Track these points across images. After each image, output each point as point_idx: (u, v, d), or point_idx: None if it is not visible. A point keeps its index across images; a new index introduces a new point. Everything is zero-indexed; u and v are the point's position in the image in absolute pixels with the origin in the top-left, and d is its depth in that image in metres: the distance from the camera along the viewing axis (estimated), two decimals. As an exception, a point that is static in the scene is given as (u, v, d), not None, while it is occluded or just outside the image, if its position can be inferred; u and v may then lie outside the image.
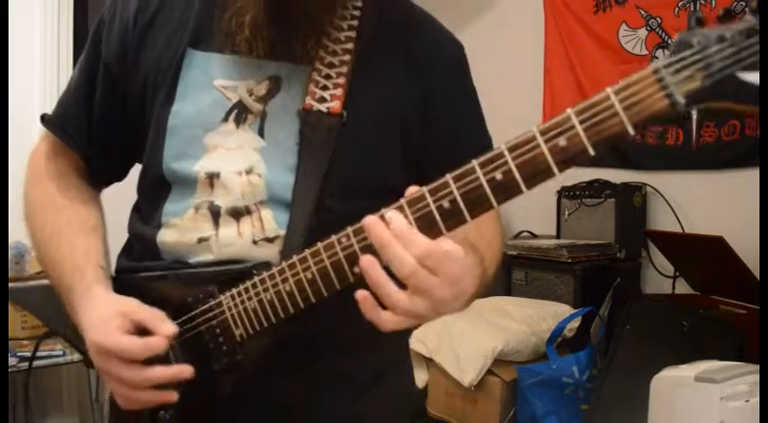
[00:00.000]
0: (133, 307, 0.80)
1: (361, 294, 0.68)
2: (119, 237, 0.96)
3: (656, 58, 2.84)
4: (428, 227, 0.68)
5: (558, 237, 2.92)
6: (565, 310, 2.50)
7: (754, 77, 0.56)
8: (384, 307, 0.68)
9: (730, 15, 0.58)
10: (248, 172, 0.85)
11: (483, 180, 0.65)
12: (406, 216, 0.68)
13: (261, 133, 0.86)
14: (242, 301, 0.79)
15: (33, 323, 2.34)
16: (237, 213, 0.84)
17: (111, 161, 0.97)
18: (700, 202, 2.70)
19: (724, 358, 1.76)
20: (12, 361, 2.19)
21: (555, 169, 0.63)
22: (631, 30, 2.92)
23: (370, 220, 0.68)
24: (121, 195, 1.05)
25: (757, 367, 1.62)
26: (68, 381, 2.76)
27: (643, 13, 2.88)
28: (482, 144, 0.94)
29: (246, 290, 0.79)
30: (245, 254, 0.83)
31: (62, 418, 2.75)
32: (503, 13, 3.46)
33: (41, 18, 2.91)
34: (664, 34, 2.82)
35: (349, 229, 0.71)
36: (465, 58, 0.97)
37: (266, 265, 0.79)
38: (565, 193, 2.88)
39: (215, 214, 0.85)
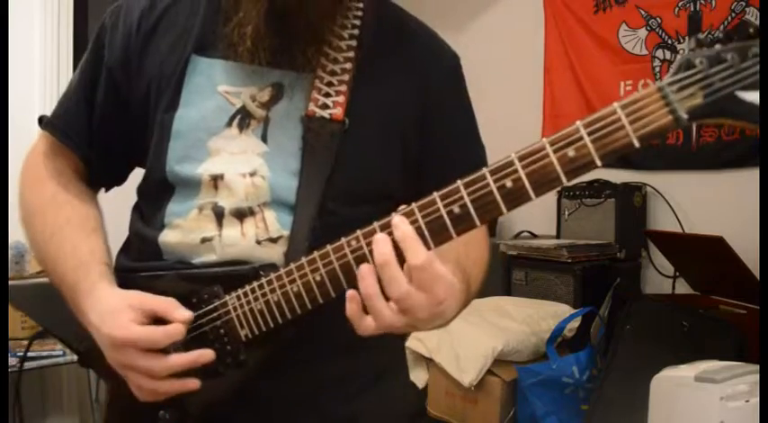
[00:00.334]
0: (142, 298, 0.81)
1: (351, 293, 0.70)
2: (118, 236, 0.96)
3: (656, 57, 2.84)
4: (438, 231, 0.69)
5: (558, 237, 2.92)
6: (565, 310, 2.50)
7: (752, 97, 0.60)
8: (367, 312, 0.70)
9: (730, 37, 0.62)
10: (252, 174, 0.85)
11: (493, 187, 0.67)
12: (416, 220, 0.69)
13: (264, 139, 0.87)
14: (248, 302, 0.80)
15: (33, 323, 2.34)
16: (241, 214, 0.85)
17: (111, 164, 0.97)
18: (700, 202, 2.70)
19: (724, 358, 1.76)
20: (12, 361, 2.19)
21: (563, 178, 0.66)
22: (631, 30, 2.92)
23: (380, 238, 0.70)
24: (121, 195, 1.05)
25: (757, 367, 1.62)
26: (68, 381, 2.76)
27: (643, 13, 2.88)
28: (476, 155, 0.96)
29: (253, 290, 0.79)
30: (248, 254, 0.84)
31: (62, 418, 2.75)
32: (503, 13, 3.46)
33: (41, 19, 2.91)
34: (664, 34, 2.82)
35: (359, 232, 0.72)
36: (461, 70, 0.99)
37: (272, 267, 0.80)
38: (565, 193, 2.89)
39: (219, 215, 0.85)
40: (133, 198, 0.96)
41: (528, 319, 2.43)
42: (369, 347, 0.79)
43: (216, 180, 0.86)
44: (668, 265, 2.68)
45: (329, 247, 0.74)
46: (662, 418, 1.73)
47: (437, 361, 2.44)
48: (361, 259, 0.72)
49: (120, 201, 1.05)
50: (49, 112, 0.97)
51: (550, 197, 2.92)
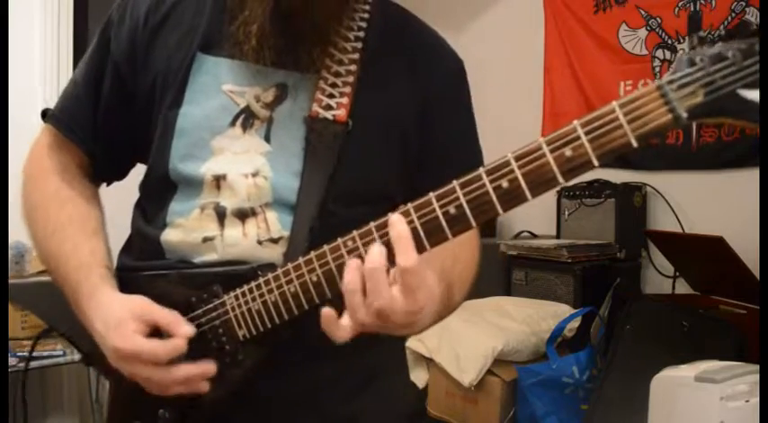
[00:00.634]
0: (146, 307, 0.81)
1: (326, 311, 0.71)
2: (119, 235, 0.96)
3: (656, 57, 2.84)
4: (433, 232, 0.69)
5: (558, 237, 2.92)
6: (565, 310, 2.50)
7: (754, 95, 0.59)
8: (343, 307, 0.71)
9: (732, 35, 0.60)
10: (254, 175, 0.85)
11: (489, 187, 0.67)
12: (412, 220, 0.69)
13: (267, 139, 0.87)
14: (246, 302, 0.80)
15: (33, 323, 2.33)
16: (243, 214, 0.85)
17: (114, 159, 0.97)
18: (700, 202, 2.70)
19: (724, 358, 1.76)
20: (12, 361, 2.19)
21: (560, 178, 0.65)
22: (631, 30, 2.92)
23: (375, 250, 0.69)
24: (123, 193, 1.05)
25: (757, 367, 1.62)
26: (68, 381, 2.76)
27: (643, 13, 2.88)
28: (474, 159, 0.96)
29: (251, 290, 0.79)
30: (249, 254, 0.84)
31: (62, 418, 2.75)
32: (503, 13, 3.46)
33: (41, 18, 2.91)
34: (664, 34, 2.82)
35: (355, 233, 0.72)
36: (464, 74, 0.99)
37: (271, 267, 0.80)
38: (565, 193, 2.89)
39: (220, 215, 0.85)
40: (134, 195, 0.96)
41: (528, 319, 2.43)
42: (368, 347, 0.79)
43: (218, 180, 0.86)
44: (668, 265, 2.68)
45: (326, 248, 0.74)
46: (662, 418, 1.73)
47: (437, 361, 2.44)
48: None
49: (121, 198, 1.05)
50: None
51: (550, 197, 2.92)
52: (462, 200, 0.67)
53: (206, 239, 0.85)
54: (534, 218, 3.09)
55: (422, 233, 0.69)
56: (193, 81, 0.88)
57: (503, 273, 2.84)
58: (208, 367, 0.79)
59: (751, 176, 2.40)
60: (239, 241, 0.84)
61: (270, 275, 0.78)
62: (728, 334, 2.02)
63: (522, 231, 3.20)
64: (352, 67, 0.88)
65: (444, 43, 1.00)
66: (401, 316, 0.69)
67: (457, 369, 2.35)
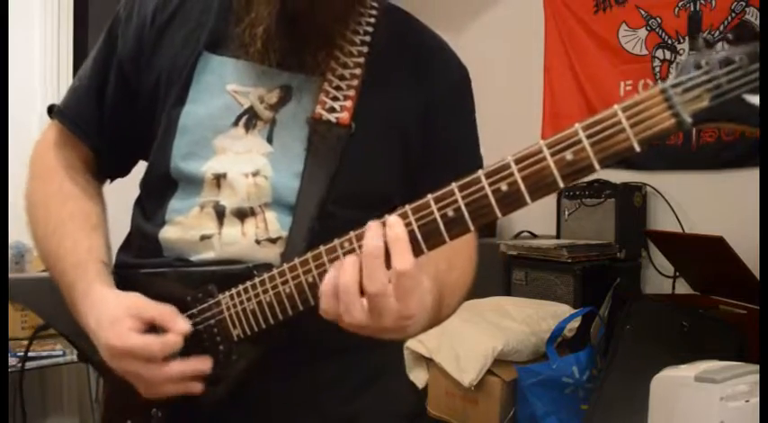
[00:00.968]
0: (141, 304, 0.81)
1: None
2: (119, 232, 0.96)
3: (656, 57, 2.84)
4: (431, 235, 0.68)
5: (558, 237, 2.92)
6: (565, 310, 2.50)
7: (758, 100, 0.58)
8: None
9: (738, 37, 0.59)
10: (255, 174, 0.85)
11: (488, 190, 0.66)
12: (409, 223, 0.68)
13: (269, 140, 0.87)
14: (241, 302, 0.79)
15: (33, 323, 2.33)
16: (242, 214, 0.85)
17: (118, 155, 0.98)
18: (700, 202, 2.70)
19: (724, 358, 1.76)
20: (12, 361, 2.19)
21: (560, 182, 0.63)
22: (631, 30, 2.92)
23: (372, 225, 0.69)
24: (123, 190, 1.05)
25: (757, 367, 1.62)
26: (68, 381, 2.76)
27: (643, 13, 2.88)
28: (475, 165, 0.96)
29: (246, 290, 0.79)
30: (247, 253, 0.84)
31: (62, 418, 2.75)
32: (503, 13, 3.46)
33: (41, 18, 2.91)
34: (664, 34, 2.82)
35: (352, 234, 0.72)
36: (468, 81, 0.99)
37: (267, 267, 0.79)
38: (565, 192, 2.89)
39: (220, 214, 0.85)
40: (135, 192, 0.96)
41: (528, 319, 2.43)
42: (367, 347, 0.79)
43: (219, 179, 0.86)
44: (668, 264, 2.68)
45: (322, 249, 0.73)
46: (662, 418, 1.73)
47: (437, 361, 2.44)
48: None
49: (121, 196, 1.05)
50: (49, 111, 0.97)
51: (550, 197, 2.87)
52: (461, 202, 0.67)
53: (204, 237, 0.85)
54: (534, 218, 3.09)
55: (419, 236, 0.68)
56: (198, 80, 0.88)
57: (503, 273, 2.84)
58: (201, 364, 0.79)
59: (751, 176, 2.40)
60: (237, 240, 0.84)
61: (265, 275, 0.78)
62: (728, 334, 2.02)
63: (522, 231, 3.20)
64: (357, 71, 0.88)
65: (450, 51, 0.99)
66: (392, 319, 0.68)
67: (457, 369, 2.35)
